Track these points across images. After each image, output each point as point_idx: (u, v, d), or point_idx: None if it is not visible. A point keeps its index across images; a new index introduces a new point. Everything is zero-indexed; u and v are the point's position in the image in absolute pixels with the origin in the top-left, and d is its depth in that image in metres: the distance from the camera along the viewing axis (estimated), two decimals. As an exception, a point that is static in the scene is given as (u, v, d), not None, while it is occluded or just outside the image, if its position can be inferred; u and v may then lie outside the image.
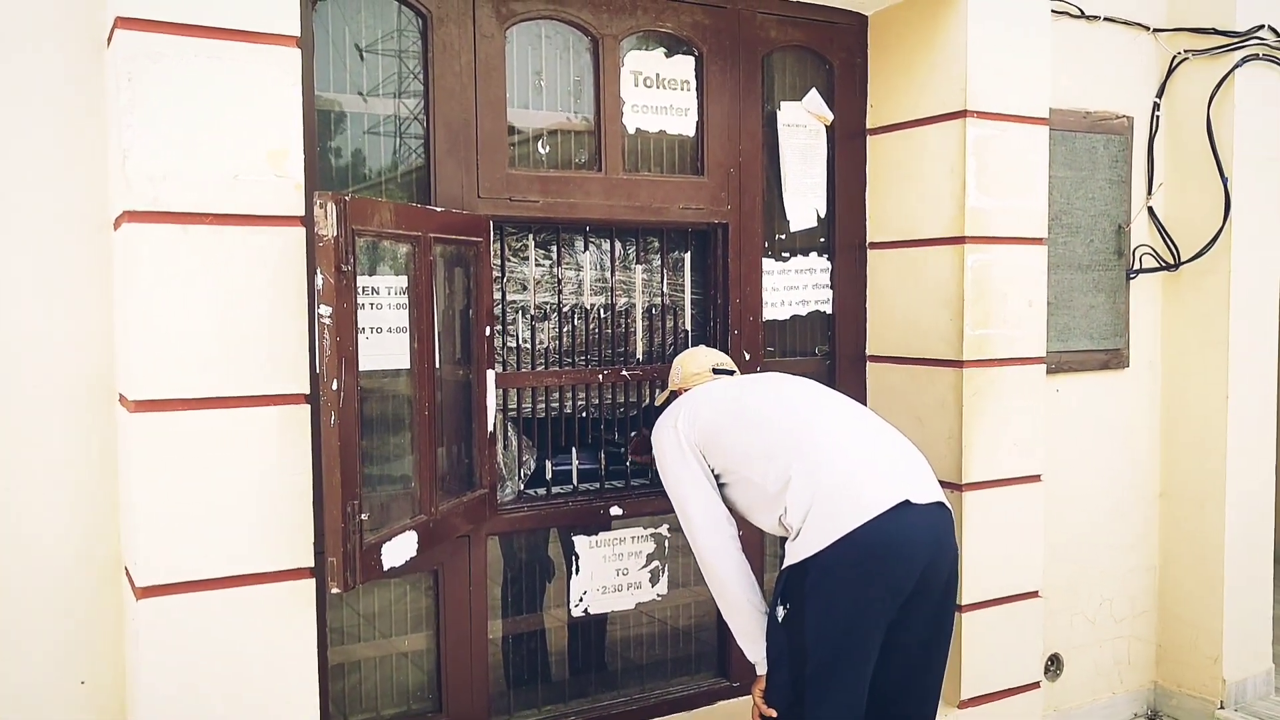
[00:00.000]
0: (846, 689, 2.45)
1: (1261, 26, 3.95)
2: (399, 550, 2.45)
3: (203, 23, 2.21)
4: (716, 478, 2.73)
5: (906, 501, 2.44)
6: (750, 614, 2.63)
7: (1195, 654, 4.08)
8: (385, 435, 2.66)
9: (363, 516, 2.28)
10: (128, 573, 2.41)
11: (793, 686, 2.48)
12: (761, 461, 2.57)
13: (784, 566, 2.53)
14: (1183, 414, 4.10)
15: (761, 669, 2.62)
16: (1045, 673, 3.86)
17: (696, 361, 3.01)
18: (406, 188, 2.93)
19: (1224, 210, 3.93)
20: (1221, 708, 4.00)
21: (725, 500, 2.72)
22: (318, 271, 2.18)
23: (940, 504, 2.53)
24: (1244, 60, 3.93)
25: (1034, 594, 3.53)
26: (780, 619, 2.51)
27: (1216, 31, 3.97)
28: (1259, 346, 4.04)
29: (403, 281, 2.69)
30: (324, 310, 2.18)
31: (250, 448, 2.30)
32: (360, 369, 2.36)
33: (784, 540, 2.58)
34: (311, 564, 2.37)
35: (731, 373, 3.01)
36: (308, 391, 2.35)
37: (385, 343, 2.74)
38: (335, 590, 2.22)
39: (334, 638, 2.88)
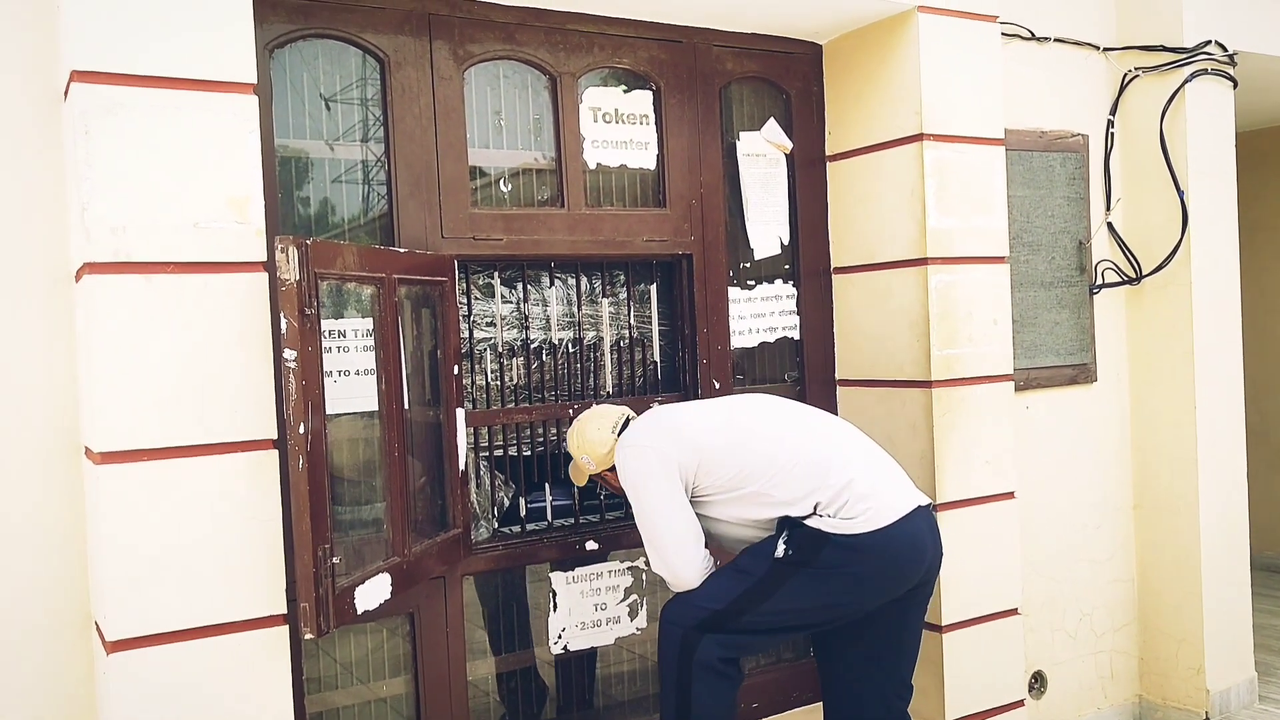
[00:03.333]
0: (763, 639, 2.79)
1: (1209, 42, 4.03)
2: (372, 594, 2.44)
3: (159, 73, 2.22)
4: (704, 496, 2.73)
5: (918, 507, 2.68)
6: None
7: (1178, 665, 4.09)
8: (356, 478, 2.65)
9: (334, 560, 2.27)
10: (98, 627, 2.38)
11: (737, 600, 2.61)
12: (782, 469, 2.64)
13: (802, 521, 2.59)
14: (1152, 425, 4.14)
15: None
16: (1030, 690, 3.86)
17: (599, 440, 2.82)
18: (371, 231, 2.94)
19: (1182, 223, 4.00)
20: (1206, 718, 4.00)
21: (705, 517, 2.74)
22: (281, 316, 2.18)
23: (930, 505, 2.78)
24: (1193, 76, 4.01)
25: (1013, 611, 3.53)
26: (778, 554, 2.59)
27: (1165, 49, 4.05)
28: (1224, 355, 4.09)
29: (370, 324, 2.69)
30: (288, 354, 2.17)
31: (219, 496, 2.28)
32: (329, 412, 2.36)
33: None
34: (284, 611, 2.35)
35: (629, 420, 2.88)
36: (276, 437, 2.34)
37: (354, 385, 2.75)
38: (309, 636, 2.20)
39: (311, 686, 2.84)
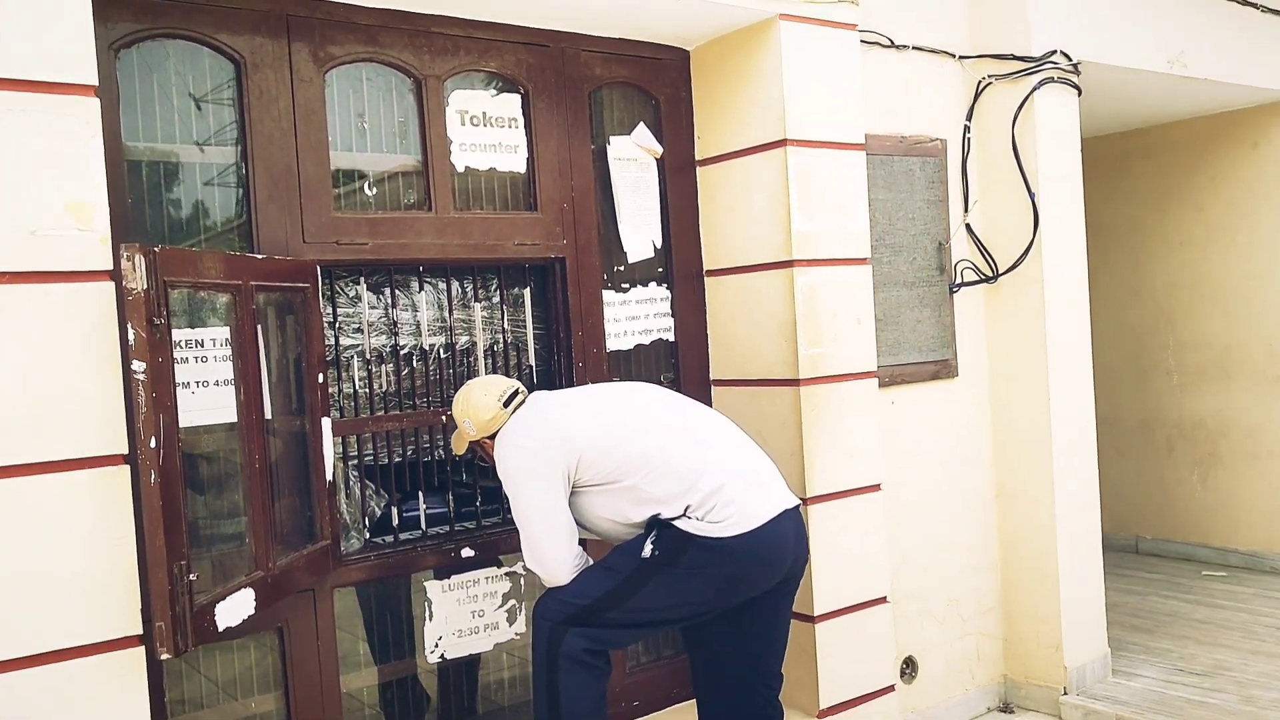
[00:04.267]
0: (629, 633, 2.83)
1: (1054, 52, 4.22)
2: (235, 609, 2.37)
3: (-10, 74, 2.13)
4: (581, 487, 2.74)
5: (785, 510, 2.73)
6: None
7: (1038, 645, 4.28)
8: (216, 491, 2.57)
9: (191, 577, 2.20)
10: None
11: (604, 596, 2.66)
12: (658, 467, 2.68)
13: (670, 522, 2.64)
14: (1011, 418, 4.32)
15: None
16: (901, 675, 3.98)
17: (484, 406, 2.80)
18: (229, 237, 2.86)
19: (1034, 224, 4.18)
20: (1065, 694, 4.20)
21: (577, 507, 2.76)
22: (129, 326, 2.11)
23: (798, 506, 2.83)
24: (1041, 83, 4.20)
25: (883, 599, 3.65)
26: (645, 554, 2.64)
27: (1015, 57, 4.23)
28: (1075, 348, 4.30)
29: (227, 333, 2.62)
30: (137, 366, 2.10)
31: (65, 515, 2.19)
32: (186, 424, 2.29)
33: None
34: (140, 631, 2.26)
35: (517, 392, 2.86)
36: (126, 452, 2.26)
37: (214, 396, 2.67)
38: (165, 656, 2.13)
39: (176, 708, 2.75)
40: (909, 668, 4.06)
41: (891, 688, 3.68)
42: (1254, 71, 5.11)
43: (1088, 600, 4.31)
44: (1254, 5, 5.11)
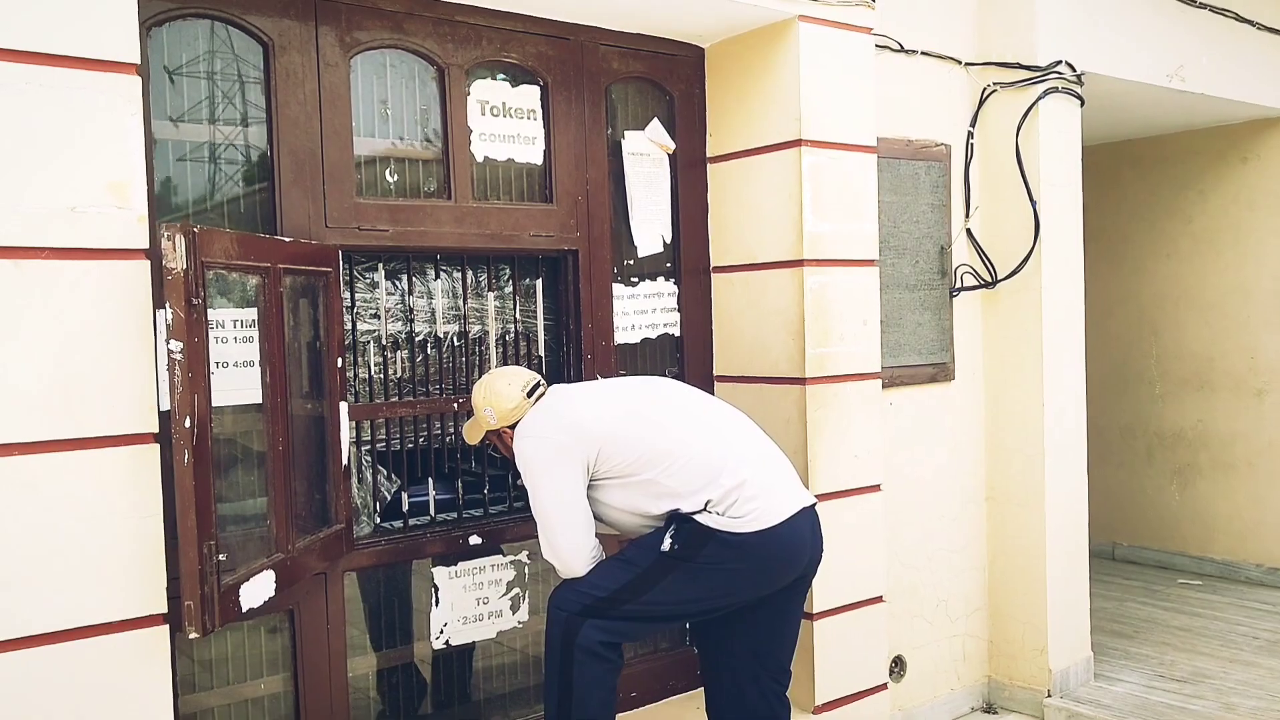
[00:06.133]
0: (644, 626, 2.93)
1: (1060, 62, 4.29)
2: (257, 591, 2.38)
3: (36, 49, 2.12)
4: (599, 479, 2.77)
5: (803, 508, 2.78)
6: None
7: (1023, 647, 4.36)
8: (238, 473, 2.58)
9: (220, 558, 2.21)
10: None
11: (620, 589, 2.69)
12: (678, 461, 2.71)
13: (691, 516, 2.67)
14: (1005, 422, 4.39)
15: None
16: (890, 674, 4.04)
17: (507, 396, 2.84)
18: (251, 218, 2.85)
19: (1034, 231, 4.25)
20: (1049, 696, 4.28)
21: (594, 500, 2.78)
22: (166, 306, 2.11)
23: (814, 504, 2.87)
24: (1046, 93, 4.26)
25: (879, 599, 3.70)
26: (664, 547, 2.67)
27: (1021, 66, 4.29)
28: (1069, 356, 4.37)
29: (248, 314, 2.63)
30: (174, 346, 2.11)
31: (95, 491, 2.19)
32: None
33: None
34: (165, 610, 2.27)
35: (539, 383, 2.90)
36: (157, 430, 2.26)
37: (232, 377, 2.67)
38: (193, 635, 2.14)
39: (183, 687, 2.75)
40: (898, 666, 4.13)
41: (884, 685, 3.74)
42: (1247, 87, 5.21)
43: (1073, 604, 4.40)
44: (1251, 23, 5.21)
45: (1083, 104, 4.44)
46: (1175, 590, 5.74)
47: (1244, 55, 5.16)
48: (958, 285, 4.33)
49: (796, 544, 2.75)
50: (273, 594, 2.46)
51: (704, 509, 2.66)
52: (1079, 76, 4.37)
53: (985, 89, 4.37)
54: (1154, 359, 6.24)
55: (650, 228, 3.68)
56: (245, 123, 2.84)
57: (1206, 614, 5.30)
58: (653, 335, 3.68)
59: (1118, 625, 5.12)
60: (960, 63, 4.36)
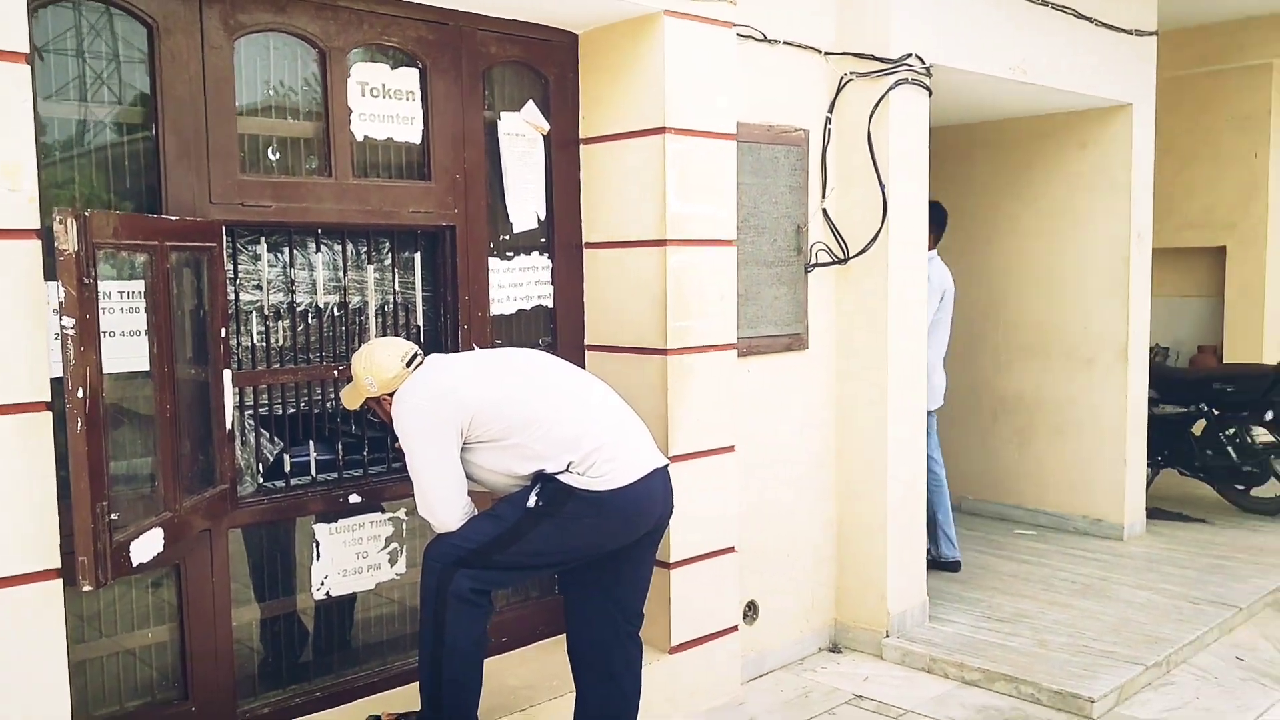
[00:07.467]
0: (512, 575, 3.18)
1: (910, 55, 4.64)
2: (147, 547, 2.57)
3: (-75, 38, 2.23)
4: (472, 443, 3.00)
5: (656, 469, 3.05)
6: None
7: (866, 593, 4.79)
8: (127, 436, 2.74)
9: (112, 517, 2.39)
10: None
11: (490, 542, 2.96)
12: (544, 426, 2.97)
13: (555, 476, 2.94)
14: (853, 387, 4.78)
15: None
16: (744, 617, 4.41)
17: (387, 366, 3.04)
18: (136, 195, 2.98)
19: (882, 212, 4.61)
20: (887, 636, 4.72)
21: (467, 461, 3.03)
22: (60, 285, 2.27)
23: (667, 465, 3.15)
24: (897, 83, 4.61)
25: (731, 549, 4.05)
26: (530, 504, 2.95)
27: (875, 58, 4.62)
28: (912, 328, 4.77)
29: (135, 285, 2.77)
30: (67, 322, 2.26)
31: (-11, 455, 2.34)
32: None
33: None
34: (58, 565, 2.45)
35: (417, 354, 3.09)
36: (49, 399, 2.42)
37: (121, 346, 2.81)
38: (87, 588, 2.32)
39: (73, 639, 2.91)
40: (751, 610, 4.50)
41: (735, 628, 4.10)
42: (1085, 79, 5.67)
43: (911, 554, 4.84)
44: (1088, 19, 5.66)
45: (931, 94, 4.80)
46: (1010, 540, 6.28)
47: (1082, 49, 5.61)
48: (813, 261, 4.67)
49: (649, 501, 3.05)
50: (161, 550, 2.65)
51: (566, 469, 2.94)
52: (928, 69, 4.73)
53: (843, 78, 4.69)
54: (999, 328, 6.75)
55: (525, 205, 3.90)
56: (131, 103, 2.95)
57: (1034, 561, 5.84)
58: (527, 307, 3.92)
59: (955, 572, 5.61)
60: (820, 52, 4.67)
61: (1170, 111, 7.52)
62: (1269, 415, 6.62)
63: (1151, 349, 6.78)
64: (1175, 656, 4.54)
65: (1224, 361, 8.32)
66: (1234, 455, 6.78)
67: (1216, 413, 6.84)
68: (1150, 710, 4.14)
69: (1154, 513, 6.63)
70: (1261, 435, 6.83)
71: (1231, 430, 6.82)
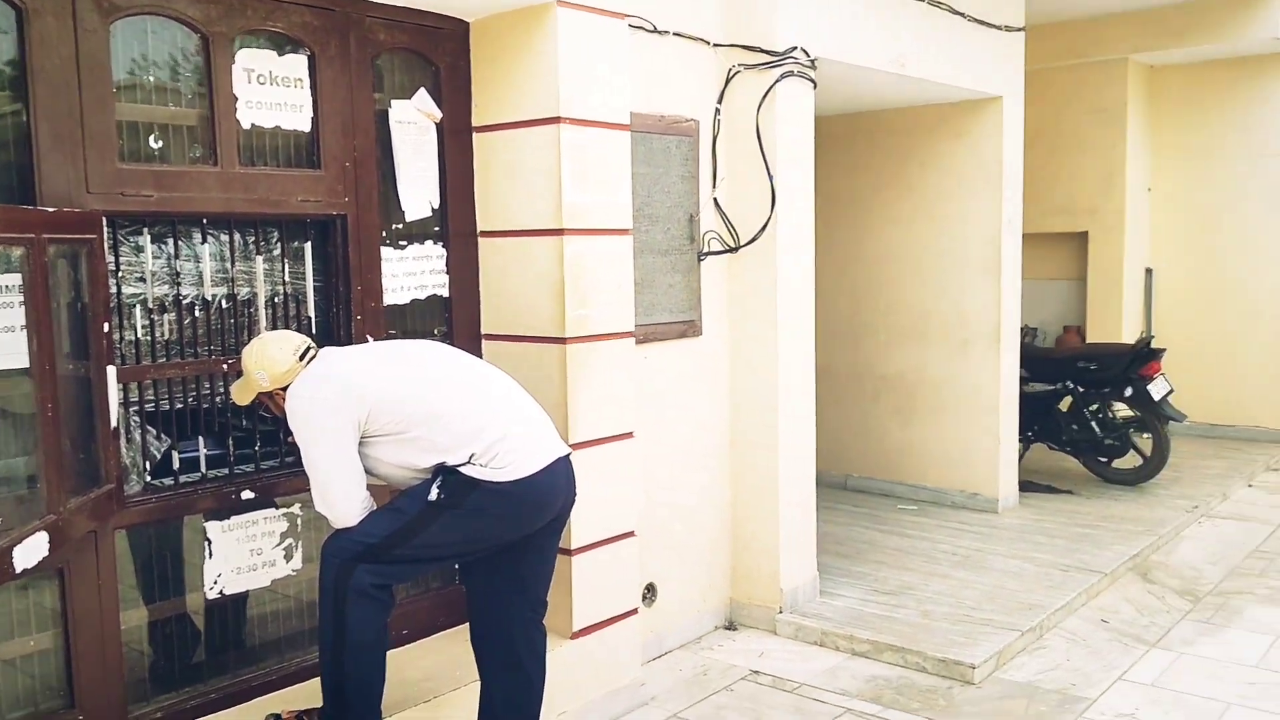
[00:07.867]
0: (413, 568, 3.16)
1: (795, 48, 4.75)
2: (31, 552, 2.47)
3: None
4: (370, 437, 2.96)
5: (558, 458, 3.07)
6: None
7: (760, 572, 4.92)
8: (7, 436, 2.63)
9: (-7, 522, 2.29)
10: None
11: (391, 536, 2.93)
12: (444, 419, 2.95)
13: (457, 469, 2.92)
14: (745, 374, 4.88)
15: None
16: (643, 600, 4.48)
17: (279, 360, 2.97)
18: (8, 186, 2.84)
19: (771, 201, 4.72)
20: (780, 612, 4.86)
21: (366, 455, 2.98)
22: (-68, 281, 2.16)
23: (569, 454, 3.16)
24: (783, 76, 4.71)
25: (631, 534, 4.11)
26: (431, 497, 2.93)
27: (762, 50, 4.72)
28: (800, 315, 4.91)
29: (10, 279, 2.65)
30: (-60, 320, 2.16)
31: None
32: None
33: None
34: (-65, 574, 2.34)
35: (310, 347, 3.04)
36: (-79, 401, 2.30)
37: (-4, 343, 2.69)
38: (-31, 597, 2.23)
39: (-53, 649, 2.79)
40: (650, 593, 4.57)
41: (635, 611, 4.16)
42: (961, 74, 5.89)
43: (802, 533, 4.98)
44: (963, 15, 5.88)
45: (816, 86, 4.93)
46: (893, 515, 6.52)
47: (957, 44, 5.82)
48: (705, 250, 4.75)
49: (552, 490, 3.07)
50: (46, 554, 2.55)
51: (469, 461, 2.93)
52: (813, 62, 4.85)
53: (731, 69, 4.77)
54: (881, 311, 6.97)
55: (418, 193, 3.86)
56: (1, 89, 2.81)
57: (916, 534, 6.08)
58: (422, 296, 3.88)
59: (843, 548, 5.80)
60: (709, 44, 4.74)
61: (1036, 103, 7.87)
62: (1128, 392, 7.02)
63: (1021, 329, 7.11)
64: (1047, 621, 4.80)
65: (1087, 341, 8.79)
66: (1097, 430, 7.16)
67: (1081, 390, 7.21)
68: (1026, 673, 4.37)
69: (1026, 485, 6.97)
70: (1122, 410, 7.25)
71: (1095, 406, 7.21)
